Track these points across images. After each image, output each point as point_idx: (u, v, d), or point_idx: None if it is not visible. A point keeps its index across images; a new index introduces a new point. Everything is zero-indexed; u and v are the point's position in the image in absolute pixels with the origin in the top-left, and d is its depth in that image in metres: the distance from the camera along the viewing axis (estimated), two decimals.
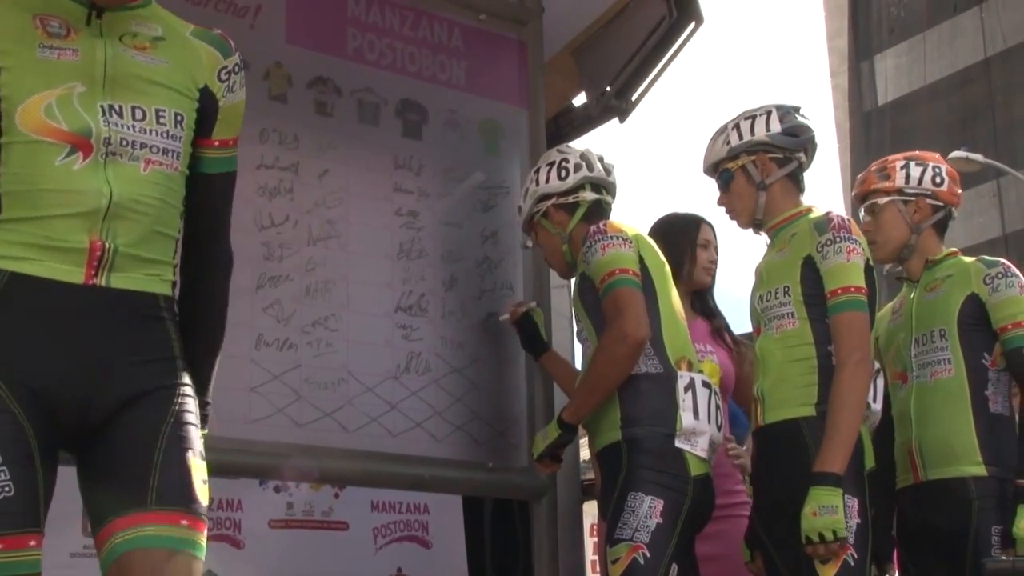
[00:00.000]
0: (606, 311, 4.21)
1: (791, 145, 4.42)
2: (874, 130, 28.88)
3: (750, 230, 4.48)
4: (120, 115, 2.87)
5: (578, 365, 4.88)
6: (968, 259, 4.51)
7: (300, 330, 4.50)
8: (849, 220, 4.24)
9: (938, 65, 29.06)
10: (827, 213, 4.26)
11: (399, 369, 4.71)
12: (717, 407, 4.21)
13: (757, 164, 4.40)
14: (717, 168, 4.48)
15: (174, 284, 3.01)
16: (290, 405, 4.41)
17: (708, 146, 4.56)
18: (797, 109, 4.53)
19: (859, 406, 4.04)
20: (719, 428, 4.21)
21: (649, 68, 5.77)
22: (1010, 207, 26.70)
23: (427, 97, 5.04)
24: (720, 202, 4.52)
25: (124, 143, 2.86)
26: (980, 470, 4.22)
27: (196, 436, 2.91)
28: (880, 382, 4.26)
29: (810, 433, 4.04)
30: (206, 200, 3.09)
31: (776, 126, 4.41)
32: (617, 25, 5.78)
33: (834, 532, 3.82)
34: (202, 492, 2.85)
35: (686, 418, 4.08)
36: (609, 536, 3.97)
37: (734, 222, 4.51)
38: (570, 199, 4.56)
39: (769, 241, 4.41)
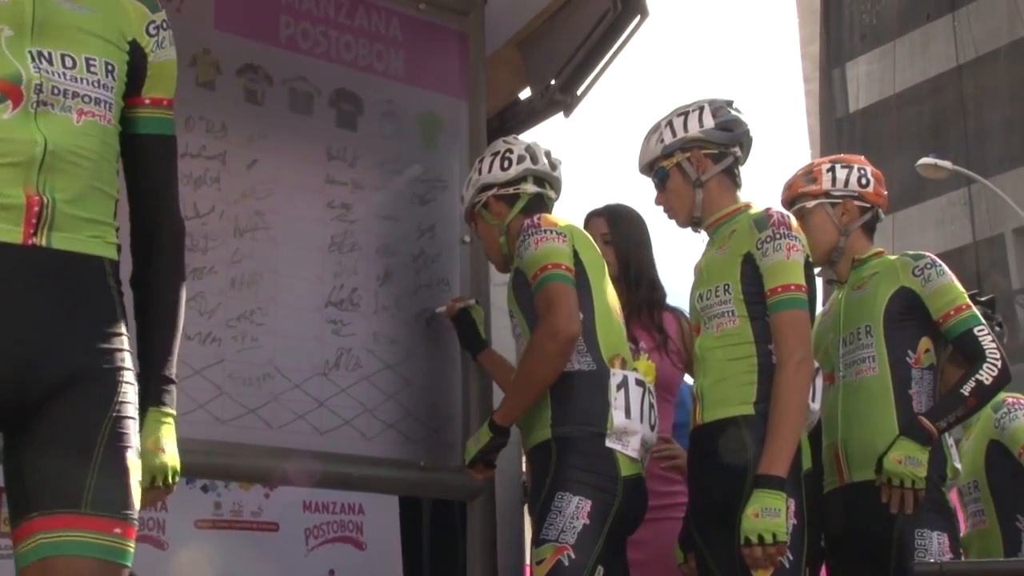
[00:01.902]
0: (538, 307, 4.14)
1: (726, 140, 4.38)
2: (845, 137, 29.04)
3: (689, 229, 4.45)
4: (50, 62, 2.82)
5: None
6: (893, 256, 4.55)
7: (224, 324, 4.41)
8: (789, 216, 4.23)
9: (909, 72, 29.22)
10: (767, 209, 4.22)
11: (328, 365, 4.62)
12: (651, 406, 4.13)
13: (692, 161, 4.36)
14: (652, 167, 4.45)
15: (119, 248, 2.93)
16: (212, 401, 4.32)
17: (642, 145, 4.52)
18: (730, 103, 4.50)
19: (802, 406, 4.00)
20: (652, 428, 4.13)
21: (595, 62, 5.72)
22: (980, 215, 26.83)
23: (363, 87, 4.95)
24: (657, 201, 4.48)
25: (55, 91, 2.81)
26: None
27: (135, 430, 2.83)
28: (819, 382, 4.20)
29: (749, 432, 4.01)
30: (143, 164, 3.03)
31: (709, 121, 4.38)
32: (562, 18, 5.73)
33: (774, 535, 3.78)
34: (136, 495, 2.79)
35: (617, 417, 4.00)
36: (535, 536, 3.91)
37: (672, 221, 4.46)
38: (511, 190, 4.50)
39: (708, 239, 4.36)
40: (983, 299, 5.15)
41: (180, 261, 3.13)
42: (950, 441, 4.44)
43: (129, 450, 2.80)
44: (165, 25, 3.08)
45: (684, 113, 4.41)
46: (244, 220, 4.53)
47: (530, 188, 4.50)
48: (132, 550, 2.77)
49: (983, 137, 26.81)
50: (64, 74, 2.84)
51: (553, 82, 5.78)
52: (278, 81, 4.74)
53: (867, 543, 4.26)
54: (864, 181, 4.60)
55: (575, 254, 4.21)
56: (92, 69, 2.89)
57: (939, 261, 4.43)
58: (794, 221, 4.23)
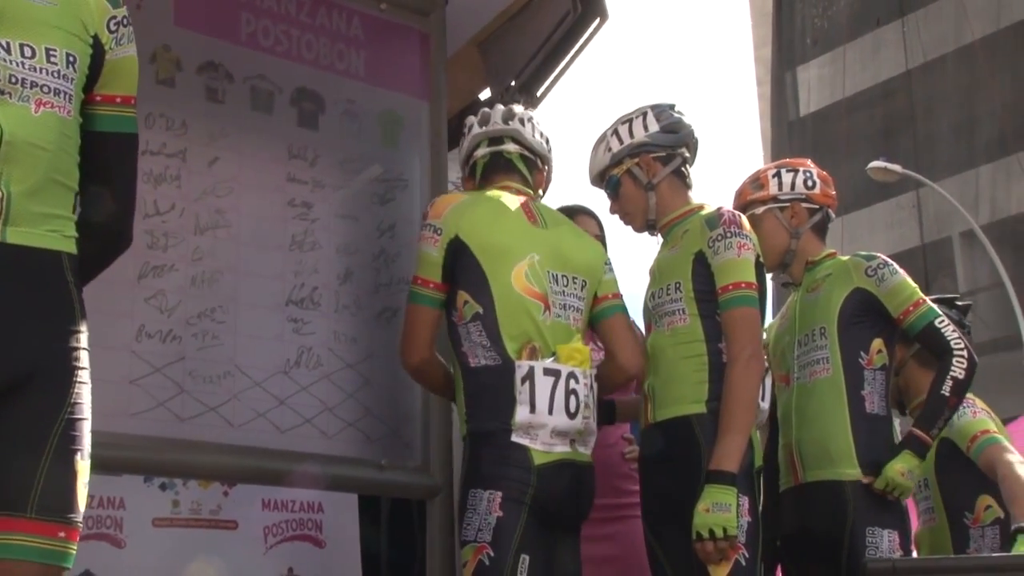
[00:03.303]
0: None
1: (672, 142, 4.40)
2: (796, 140, 29.20)
3: (646, 234, 4.47)
4: (8, 51, 2.80)
5: None
6: (844, 257, 4.57)
7: (185, 322, 4.36)
8: (740, 216, 4.24)
9: (860, 77, 29.39)
10: (718, 208, 4.24)
11: (289, 364, 4.57)
12: (571, 392, 3.92)
13: (641, 166, 4.38)
14: (603, 176, 4.45)
15: (77, 241, 2.91)
16: (172, 399, 4.27)
17: (591, 156, 4.52)
18: (672, 106, 4.50)
19: (752, 403, 4.02)
20: (573, 414, 3.91)
21: (554, 63, 5.77)
22: (928, 218, 27.02)
23: (324, 86, 4.90)
24: (612, 210, 4.49)
25: (13, 80, 2.78)
26: (856, 473, 4.27)
27: (86, 431, 2.83)
28: (768, 381, 4.22)
29: (701, 430, 4.03)
30: (97, 161, 3.00)
31: (654, 125, 4.41)
32: (522, 19, 5.76)
33: (724, 529, 3.78)
34: (82, 497, 2.79)
35: (520, 412, 3.85)
36: (457, 537, 3.86)
37: (629, 227, 4.48)
38: (469, 165, 4.43)
39: (662, 240, 4.36)
40: (959, 303, 5.20)
41: (102, 265, 3.14)
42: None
43: (79, 452, 2.80)
44: (126, 21, 3.07)
45: (628, 120, 4.43)
46: (205, 218, 4.48)
47: (482, 151, 4.38)
48: (73, 551, 2.78)
49: (932, 141, 26.98)
50: (23, 63, 2.82)
51: (513, 83, 5.80)
52: (239, 79, 4.69)
53: (820, 542, 4.29)
54: (810, 183, 4.64)
55: (457, 244, 4.01)
56: (52, 59, 2.86)
57: (890, 261, 4.48)
58: (745, 221, 4.24)
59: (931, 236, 26.96)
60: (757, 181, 4.68)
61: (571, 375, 3.91)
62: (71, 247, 2.89)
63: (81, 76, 2.94)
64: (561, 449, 3.89)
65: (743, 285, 4.08)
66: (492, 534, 3.73)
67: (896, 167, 21.85)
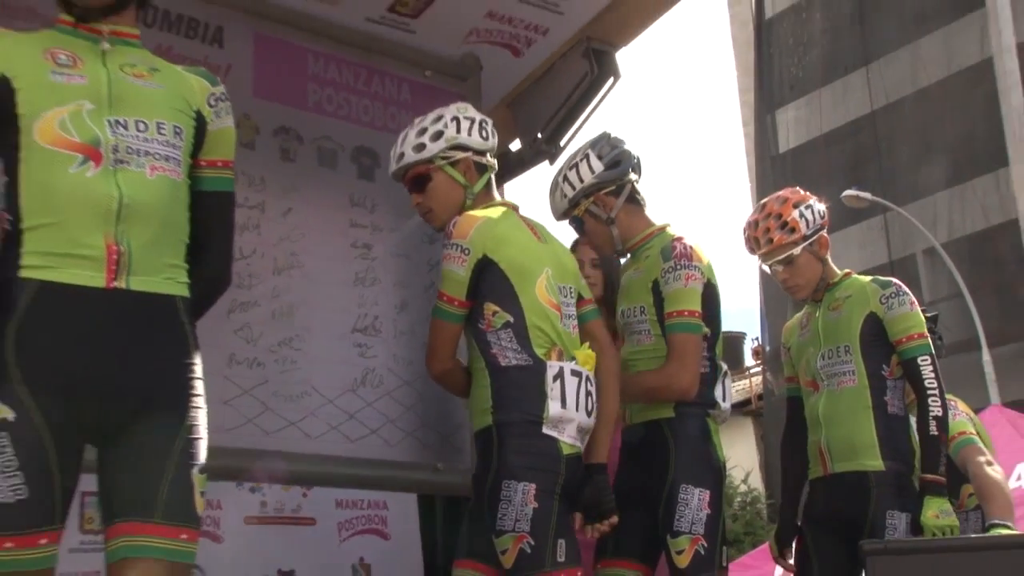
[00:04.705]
0: None
1: (618, 175, 4.26)
2: (778, 173, 29.01)
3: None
4: (125, 127, 2.84)
5: None
6: (863, 279, 4.51)
7: (267, 350, 4.41)
8: (692, 248, 4.13)
9: (832, 117, 29.26)
10: (672, 242, 4.14)
11: (356, 383, 4.62)
12: (588, 394, 3.78)
13: (597, 203, 4.27)
14: (567, 218, 4.34)
15: (190, 286, 2.94)
16: (259, 416, 4.32)
17: (550, 202, 4.40)
18: (607, 138, 4.36)
19: (646, 397, 4.09)
20: (589, 414, 3.79)
21: (575, 117, 5.70)
22: (895, 238, 26.87)
23: (379, 144, 4.91)
24: (583, 243, 4.45)
25: (130, 151, 2.82)
26: (878, 464, 4.24)
27: (202, 448, 2.87)
28: (728, 382, 4.20)
29: (670, 431, 4.04)
30: (202, 216, 3.03)
31: (597, 165, 4.26)
32: (546, 80, 5.73)
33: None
34: (199, 504, 2.82)
35: (553, 407, 3.65)
36: (491, 525, 3.61)
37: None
38: (473, 163, 4.03)
39: (630, 256, 4.30)
40: (929, 315, 5.16)
41: (207, 304, 3.14)
42: None
43: (195, 467, 2.83)
44: (224, 97, 3.11)
45: (574, 165, 4.28)
46: (281, 260, 4.53)
47: (492, 161, 4.07)
48: (195, 550, 2.82)
49: (895, 172, 26.84)
50: (138, 136, 2.86)
51: (539, 135, 5.75)
52: (307, 140, 4.75)
53: (844, 523, 4.26)
54: (822, 214, 4.52)
55: (484, 262, 3.74)
56: (162, 132, 2.90)
57: (904, 289, 4.40)
58: (697, 251, 4.13)
59: (898, 254, 26.82)
60: (787, 225, 4.44)
61: (587, 378, 3.79)
62: (184, 291, 2.92)
63: (187, 144, 2.97)
64: (579, 444, 3.76)
65: (686, 313, 4.03)
66: (530, 524, 3.54)
67: (866, 195, 21.83)
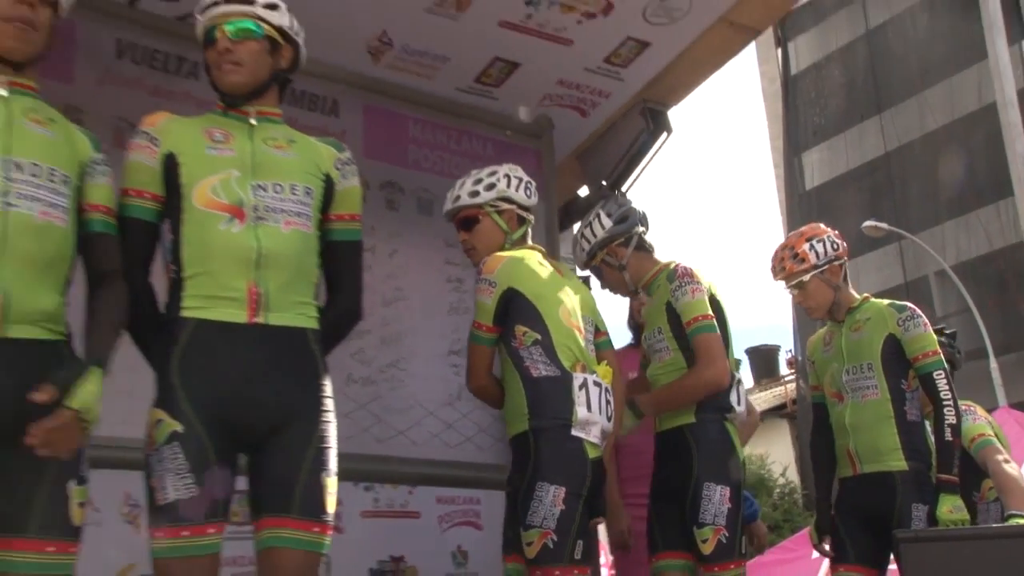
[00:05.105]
0: None
1: (626, 229, 4.26)
2: (805, 208, 28.83)
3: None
4: (265, 190, 2.91)
5: None
6: (881, 303, 4.45)
7: (379, 370, 4.48)
8: (691, 268, 4.14)
9: (851, 158, 28.98)
10: (674, 267, 4.15)
11: (452, 398, 4.68)
12: (608, 402, 3.72)
13: (611, 254, 4.26)
14: (588, 268, 4.36)
15: (319, 319, 2.99)
16: (372, 426, 4.39)
17: (573, 255, 4.42)
18: (615, 197, 4.43)
19: (690, 396, 4.02)
20: (609, 419, 3.72)
21: (634, 166, 5.72)
22: (909, 262, 26.52)
23: None
24: (602, 287, 4.41)
25: (267, 208, 2.89)
26: (902, 465, 4.20)
27: (332, 456, 2.92)
28: (742, 389, 4.18)
29: (692, 436, 4.01)
30: (335, 261, 3.09)
31: (607, 222, 4.26)
32: (609, 136, 5.75)
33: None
34: (330, 503, 2.88)
35: (581, 411, 3.59)
36: (521, 519, 3.54)
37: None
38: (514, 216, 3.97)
39: (646, 294, 4.28)
40: (948, 332, 5.10)
41: (340, 335, 3.17)
42: None
43: (325, 471, 2.89)
44: (349, 161, 3.16)
45: (589, 223, 4.29)
46: (388, 294, 4.59)
47: (531, 217, 4.01)
48: (327, 542, 2.88)
49: (908, 204, 26.51)
50: (275, 197, 2.93)
51: (604, 183, 5.77)
52: (408, 192, 4.83)
53: (872, 516, 4.23)
54: (836, 245, 4.48)
55: (510, 293, 3.67)
56: (295, 192, 2.97)
57: (918, 312, 4.35)
58: (696, 271, 4.12)
59: (912, 275, 26.47)
60: (798, 256, 4.45)
61: (607, 389, 3.74)
62: (314, 324, 2.97)
63: (317, 202, 3.02)
64: (601, 446, 3.69)
65: (700, 318, 4.01)
66: (556, 522, 3.47)
67: (883, 225, 21.64)
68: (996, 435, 4.83)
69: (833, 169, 29.58)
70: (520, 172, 3.97)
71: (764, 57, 32.17)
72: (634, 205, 4.35)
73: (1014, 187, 24.49)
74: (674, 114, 5.73)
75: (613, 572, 5.37)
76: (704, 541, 3.88)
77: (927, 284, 26.35)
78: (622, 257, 4.25)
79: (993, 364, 19.02)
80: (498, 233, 3.86)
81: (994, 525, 4.59)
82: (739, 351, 5.48)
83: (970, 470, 4.63)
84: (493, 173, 3.91)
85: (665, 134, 5.65)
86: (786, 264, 4.48)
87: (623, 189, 5.75)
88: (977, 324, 19.52)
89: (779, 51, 30.90)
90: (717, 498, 3.91)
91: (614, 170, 5.73)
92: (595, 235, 4.25)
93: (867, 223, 21.48)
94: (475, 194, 3.87)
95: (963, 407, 4.69)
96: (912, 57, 27.44)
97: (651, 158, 5.70)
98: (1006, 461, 4.63)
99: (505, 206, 3.87)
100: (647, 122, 5.59)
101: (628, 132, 5.65)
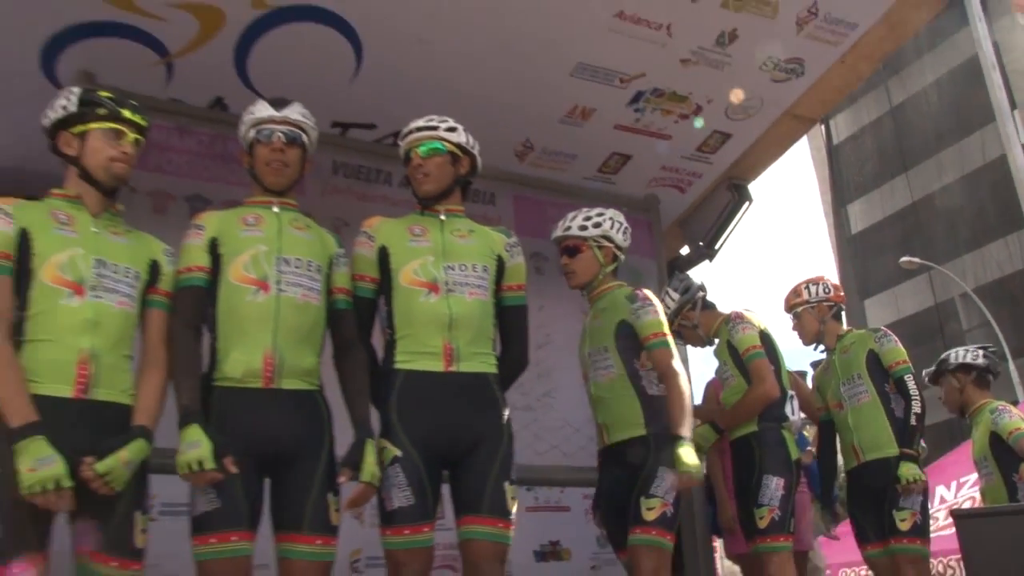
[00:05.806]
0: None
1: (689, 297, 4.38)
2: (852, 249, 28.37)
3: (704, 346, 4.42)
4: (453, 269, 2.94)
5: None
6: (862, 331, 4.51)
7: (536, 399, 4.46)
8: (742, 312, 4.21)
9: (885, 208, 28.49)
10: (729, 314, 4.23)
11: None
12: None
13: (684, 318, 4.39)
14: (673, 324, 4.10)
15: (497, 365, 3.00)
16: (533, 442, 4.32)
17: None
18: (676, 274, 4.56)
19: (749, 411, 4.01)
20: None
21: (724, 229, 5.68)
22: (938, 288, 25.83)
23: None
24: (686, 344, 4.46)
25: (456, 283, 2.93)
26: (895, 451, 4.19)
27: (511, 468, 2.89)
28: (795, 403, 4.33)
29: (756, 440, 4.03)
30: (507, 322, 3.10)
31: (675, 295, 4.40)
32: (703, 207, 5.71)
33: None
34: (511, 505, 2.85)
35: None
36: (644, 490, 3.31)
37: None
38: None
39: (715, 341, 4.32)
40: (991, 349, 4.91)
41: (511, 378, 3.13)
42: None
43: (506, 480, 2.85)
44: (516, 244, 3.17)
45: (662, 297, 4.24)
46: (539, 339, 4.49)
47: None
48: (510, 534, 2.84)
49: (934, 242, 25.79)
50: (461, 274, 2.96)
51: (700, 243, 5.74)
52: (551, 259, 4.71)
53: (874, 493, 4.23)
54: (826, 289, 4.54)
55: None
56: (476, 270, 2.99)
57: (890, 333, 4.42)
58: (748, 315, 4.17)
59: (940, 299, 25.68)
60: (798, 294, 4.56)
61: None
62: (494, 369, 2.98)
63: (492, 277, 3.04)
64: None
65: (751, 348, 4.08)
66: (672, 500, 3.30)
67: (916, 260, 21.23)
68: None
69: (872, 217, 29.01)
70: (621, 218, 3.78)
71: (812, 133, 31.55)
72: (692, 277, 4.45)
73: None
74: (752, 185, 5.69)
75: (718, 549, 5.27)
76: (761, 518, 3.88)
77: (954, 305, 25.57)
78: (692, 319, 4.35)
79: (1011, 366, 18.36)
80: (595, 264, 3.68)
81: None
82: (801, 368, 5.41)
83: (1012, 456, 4.49)
84: (601, 214, 3.71)
85: (747, 203, 5.61)
86: (789, 299, 4.59)
87: (716, 247, 5.66)
88: (996, 335, 18.92)
89: (823, 127, 30.41)
90: (773, 486, 3.92)
91: (708, 233, 5.69)
92: (668, 308, 4.24)
93: (903, 259, 21.25)
94: (584, 228, 3.69)
95: (1000, 407, 4.62)
96: (928, 126, 26.90)
97: (737, 222, 5.64)
98: None
99: (605, 243, 3.67)
100: (732, 195, 5.58)
101: (718, 203, 5.62)
